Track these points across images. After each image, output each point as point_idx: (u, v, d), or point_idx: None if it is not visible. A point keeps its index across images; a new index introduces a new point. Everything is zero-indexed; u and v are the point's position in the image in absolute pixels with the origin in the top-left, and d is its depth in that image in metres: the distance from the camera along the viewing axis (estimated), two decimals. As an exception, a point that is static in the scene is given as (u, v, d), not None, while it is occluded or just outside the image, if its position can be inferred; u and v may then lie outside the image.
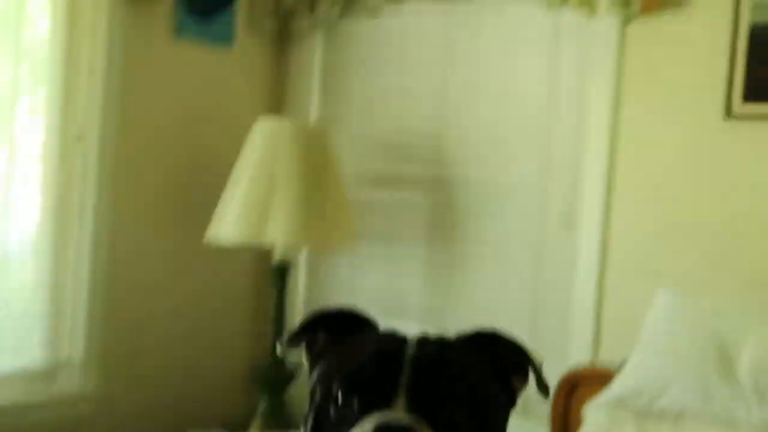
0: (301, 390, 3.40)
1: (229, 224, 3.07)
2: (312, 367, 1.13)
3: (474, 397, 1.01)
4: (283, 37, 3.70)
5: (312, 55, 3.71)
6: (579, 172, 3.11)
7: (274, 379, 3.20)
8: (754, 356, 2.41)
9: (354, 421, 0.97)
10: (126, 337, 3.19)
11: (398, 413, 0.96)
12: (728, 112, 2.82)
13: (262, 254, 3.44)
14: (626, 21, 2.98)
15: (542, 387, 1.09)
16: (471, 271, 3.40)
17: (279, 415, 3.15)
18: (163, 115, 3.31)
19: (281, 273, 3.21)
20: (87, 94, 3.03)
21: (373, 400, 0.98)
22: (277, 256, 3.20)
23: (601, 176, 3.02)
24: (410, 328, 3.59)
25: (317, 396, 1.04)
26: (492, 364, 1.09)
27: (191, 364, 3.45)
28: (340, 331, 1.13)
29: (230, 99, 3.57)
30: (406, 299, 3.53)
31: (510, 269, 3.28)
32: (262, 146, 3.10)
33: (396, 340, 1.07)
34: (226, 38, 3.54)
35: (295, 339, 1.15)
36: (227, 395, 3.58)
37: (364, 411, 0.97)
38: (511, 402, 1.10)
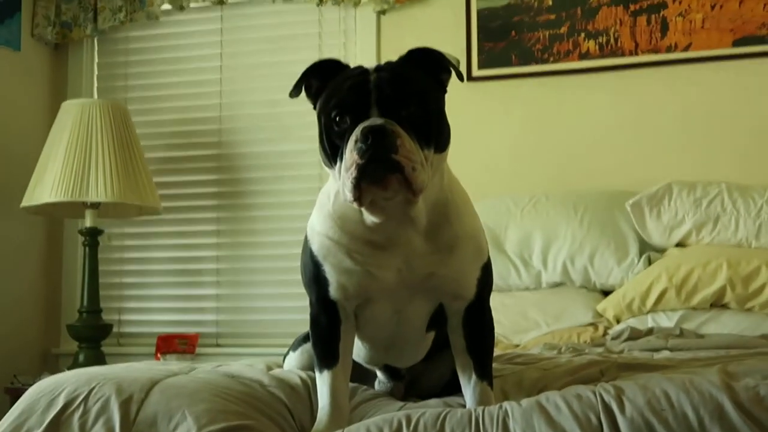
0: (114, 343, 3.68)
1: (49, 186, 3.33)
2: (314, 104, 1.55)
3: (422, 94, 1.48)
4: (63, 43, 4.03)
5: (90, 59, 4.06)
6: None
7: (91, 333, 3.44)
8: (515, 237, 3.12)
9: (350, 130, 1.43)
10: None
11: (375, 119, 1.42)
12: (469, 77, 3.60)
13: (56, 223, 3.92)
14: (383, 11, 3.68)
15: (459, 76, 1.56)
16: (259, 234, 3.87)
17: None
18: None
19: (94, 235, 3.48)
20: None
21: (357, 115, 1.44)
22: (89, 222, 3.48)
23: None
24: (207, 291, 4.10)
25: (323, 120, 1.49)
26: (425, 69, 1.56)
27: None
28: (324, 77, 1.55)
29: (19, 94, 3.89)
30: (201, 264, 3.92)
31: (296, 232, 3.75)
32: (75, 121, 3.41)
33: (363, 72, 1.50)
34: (13, 43, 3.86)
35: (296, 89, 1.55)
36: (43, 353, 3.92)
37: (354, 123, 1.43)
38: (443, 90, 1.59)
